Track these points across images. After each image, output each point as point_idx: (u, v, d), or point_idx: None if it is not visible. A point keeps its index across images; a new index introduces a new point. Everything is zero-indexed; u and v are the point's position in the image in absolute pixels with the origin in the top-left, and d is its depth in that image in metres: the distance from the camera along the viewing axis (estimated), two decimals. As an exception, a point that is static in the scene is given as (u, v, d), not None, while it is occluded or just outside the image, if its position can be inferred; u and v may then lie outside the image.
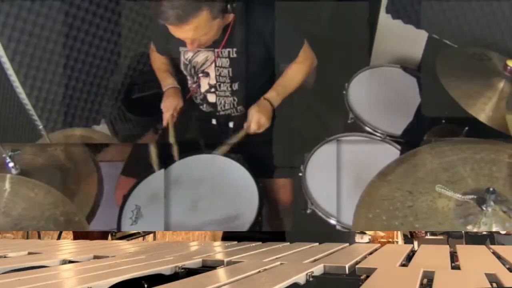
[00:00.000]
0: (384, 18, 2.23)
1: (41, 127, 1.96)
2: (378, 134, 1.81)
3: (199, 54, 1.72)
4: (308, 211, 1.62)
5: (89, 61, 2.14)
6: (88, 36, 2.09)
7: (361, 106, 1.92)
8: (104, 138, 2.09)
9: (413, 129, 1.83)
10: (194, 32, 1.53)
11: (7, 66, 1.87)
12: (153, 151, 1.72)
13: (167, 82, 1.82)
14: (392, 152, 1.74)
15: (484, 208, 1.11)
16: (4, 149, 1.54)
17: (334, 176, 1.66)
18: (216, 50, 1.69)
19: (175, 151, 1.72)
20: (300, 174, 1.69)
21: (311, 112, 2.32)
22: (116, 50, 2.23)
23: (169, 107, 1.76)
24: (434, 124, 1.83)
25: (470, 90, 1.52)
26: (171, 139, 1.73)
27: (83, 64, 2.12)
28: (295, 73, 1.78)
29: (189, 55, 1.74)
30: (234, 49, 1.69)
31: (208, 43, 1.64)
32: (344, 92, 1.96)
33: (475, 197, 1.13)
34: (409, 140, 1.73)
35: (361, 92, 1.99)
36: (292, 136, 1.91)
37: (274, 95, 1.74)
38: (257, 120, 1.68)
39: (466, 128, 1.71)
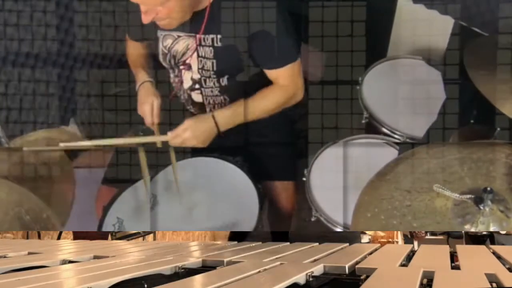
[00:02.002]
0: (403, 2, 1.97)
1: None
2: (396, 136, 1.66)
3: (179, 41, 1.54)
4: (313, 219, 1.54)
5: (54, 50, 1.95)
6: (53, 18, 1.91)
7: (377, 103, 1.74)
8: (75, 139, 1.82)
9: (437, 131, 1.65)
10: None
11: None
12: (142, 156, 1.56)
13: (139, 78, 1.61)
14: (391, 152, 1.65)
15: (482, 208, 1.13)
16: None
17: (340, 180, 1.55)
18: (197, 35, 1.49)
19: (172, 155, 1.58)
20: (304, 179, 1.60)
21: (318, 111, 2.07)
22: (87, 37, 2.01)
23: (146, 111, 1.54)
24: (461, 125, 1.66)
25: (503, 86, 1.38)
26: (159, 144, 1.57)
27: (48, 54, 1.93)
28: (270, 97, 1.55)
29: (168, 42, 1.55)
30: (219, 36, 1.49)
31: (171, 23, 1.45)
32: (358, 87, 1.79)
33: (472, 196, 1.14)
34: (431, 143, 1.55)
35: (377, 87, 1.81)
36: (297, 138, 1.80)
37: (227, 115, 1.50)
38: (183, 138, 1.47)
39: (498, 129, 1.54)
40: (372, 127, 1.71)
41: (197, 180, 1.61)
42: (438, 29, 1.92)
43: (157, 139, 1.54)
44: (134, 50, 1.70)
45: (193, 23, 1.50)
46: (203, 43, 1.51)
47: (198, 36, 1.50)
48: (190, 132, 1.47)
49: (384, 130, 1.68)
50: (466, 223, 1.13)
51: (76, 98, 2.07)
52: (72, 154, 1.67)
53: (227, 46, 1.51)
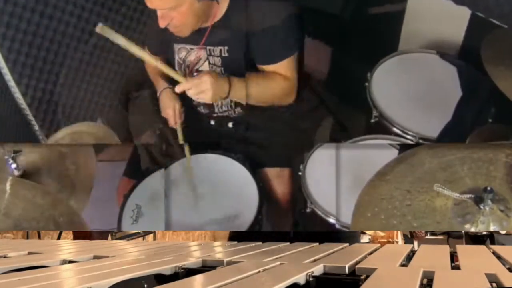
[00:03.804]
0: None
1: (37, 128, 1.93)
2: (408, 137, 1.59)
3: (191, 53, 1.68)
4: (308, 210, 1.59)
5: (86, 59, 2.09)
6: (84, 34, 2.04)
7: (387, 101, 1.65)
8: (99, 130, 2.03)
9: (453, 131, 1.56)
10: (160, 2, 1.49)
11: (1, 64, 1.85)
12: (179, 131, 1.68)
13: (160, 85, 1.78)
14: (391, 152, 1.62)
15: (482, 207, 1.13)
16: (5, 150, 1.54)
17: (333, 175, 1.60)
18: (208, 47, 1.64)
19: (186, 150, 1.71)
20: (300, 173, 1.65)
21: (324, 109, 1.98)
22: (114, 47, 2.06)
23: (170, 114, 1.73)
24: (479, 124, 1.57)
25: None
26: (181, 140, 1.73)
27: (80, 63, 2.08)
28: (276, 86, 1.64)
29: (183, 54, 1.70)
30: (226, 48, 1.63)
31: (183, 30, 1.57)
32: (367, 84, 1.70)
33: (472, 196, 1.14)
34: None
35: (388, 84, 1.71)
36: (301, 138, 1.81)
37: (240, 86, 1.60)
38: (200, 89, 1.55)
39: None
40: (382, 127, 1.64)
41: (201, 175, 1.69)
42: (453, 20, 1.79)
43: (179, 78, 1.61)
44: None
45: (204, 37, 1.65)
46: (212, 54, 1.65)
47: (198, 47, 1.65)
48: (209, 85, 1.55)
49: (395, 130, 1.61)
50: (466, 222, 1.13)
51: (103, 98, 2.21)
52: (96, 149, 1.79)
53: (232, 57, 1.65)
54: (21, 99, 1.94)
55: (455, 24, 1.78)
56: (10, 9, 1.79)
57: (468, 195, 1.14)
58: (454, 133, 1.57)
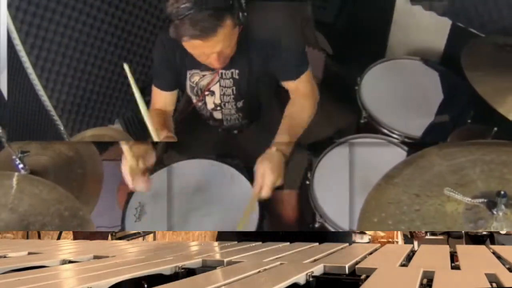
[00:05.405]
0: (401, 4, 2.00)
1: (62, 128, 2.03)
2: (394, 136, 1.66)
3: (204, 79, 1.70)
4: (316, 225, 1.50)
5: (107, 59, 2.17)
6: (107, 36, 2.12)
7: (375, 104, 1.76)
8: (119, 134, 2.03)
9: (435, 131, 1.67)
10: (223, 43, 1.47)
11: (27, 65, 1.92)
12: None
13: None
14: (399, 154, 1.62)
15: (495, 212, 1.07)
16: (13, 150, 1.56)
17: (346, 184, 1.52)
18: (221, 71, 1.66)
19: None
20: (308, 183, 1.57)
21: (317, 111, 2.04)
22: (132, 49, 2.24)
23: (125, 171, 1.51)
24: (459, 125, 1.68)
25: (499, 86, 1.36)
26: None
27: (102, 61, 2.15)
28: (303, 111, 1.63)
29: (196, 78, 1.71)
30: (237, 71, 1.65)
31: (228, 58, 1.59)
32: (356, 88, 1.80)
33: (485, 200, 1.08)
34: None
35: (376, 88, 1.82)
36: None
37: (286, 142, 1.54)
38: (271, 182, 1.46)
39: (495, 129, 1.54)
40: (371, 128, 1.71)
41: (193, 183, 1.63)
42: (435, 30, 1.96)
43: (252, 204, 1.51)
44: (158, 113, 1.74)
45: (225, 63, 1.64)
46: (224, 77, 1.67)
47: (219, 71, 1.65)
48: (271, 174, 1.47)
49: (383, 130, 1.69)
50: (479, 228, 1.07)
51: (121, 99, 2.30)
52: (100, 148, 1.80)
53: (243, 79, 1.67)
54: (47, 101, 2.04)
55: (437, 33, 1.95)
56: (38, 21, 1.87)
57: (481, 200, 1.08)
58: (437, 133, 1.67)
